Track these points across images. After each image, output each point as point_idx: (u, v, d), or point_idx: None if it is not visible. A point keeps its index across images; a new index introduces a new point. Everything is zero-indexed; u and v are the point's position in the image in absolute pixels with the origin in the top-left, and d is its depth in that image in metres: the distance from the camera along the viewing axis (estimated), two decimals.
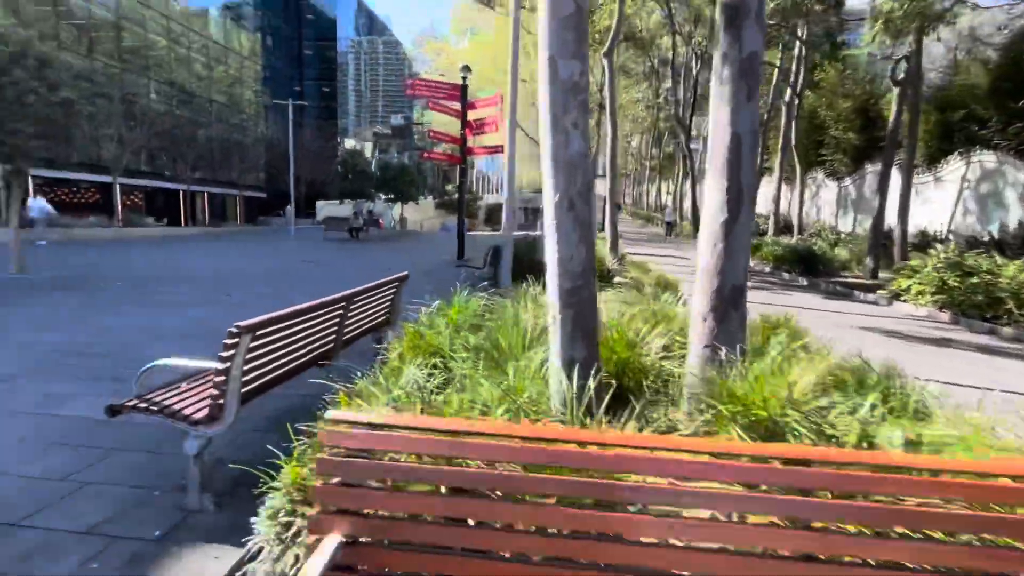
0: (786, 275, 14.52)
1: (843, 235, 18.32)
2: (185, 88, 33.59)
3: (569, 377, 2.21)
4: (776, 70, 22.02)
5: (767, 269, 15.85)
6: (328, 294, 8.65)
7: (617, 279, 9.55)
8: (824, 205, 23.41)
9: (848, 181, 21.38)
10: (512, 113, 6.90)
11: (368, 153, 41.97)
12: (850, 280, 13.39)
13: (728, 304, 2.95)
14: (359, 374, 3.50)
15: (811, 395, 2.46)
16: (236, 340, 2.28)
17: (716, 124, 2.96)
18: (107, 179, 24.67)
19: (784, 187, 27.79)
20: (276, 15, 50.42)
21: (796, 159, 18.38)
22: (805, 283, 13.42)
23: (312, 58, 56.94)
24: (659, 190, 46.78)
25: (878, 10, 10.62)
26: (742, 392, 2.48)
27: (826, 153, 23.60)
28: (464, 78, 15.47)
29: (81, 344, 5.22)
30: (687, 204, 37.14)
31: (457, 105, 15.58)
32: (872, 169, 19.76)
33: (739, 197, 2.93)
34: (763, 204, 27.04)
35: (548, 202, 2.24)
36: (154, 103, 30.48)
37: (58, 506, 2.44)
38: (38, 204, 17.46)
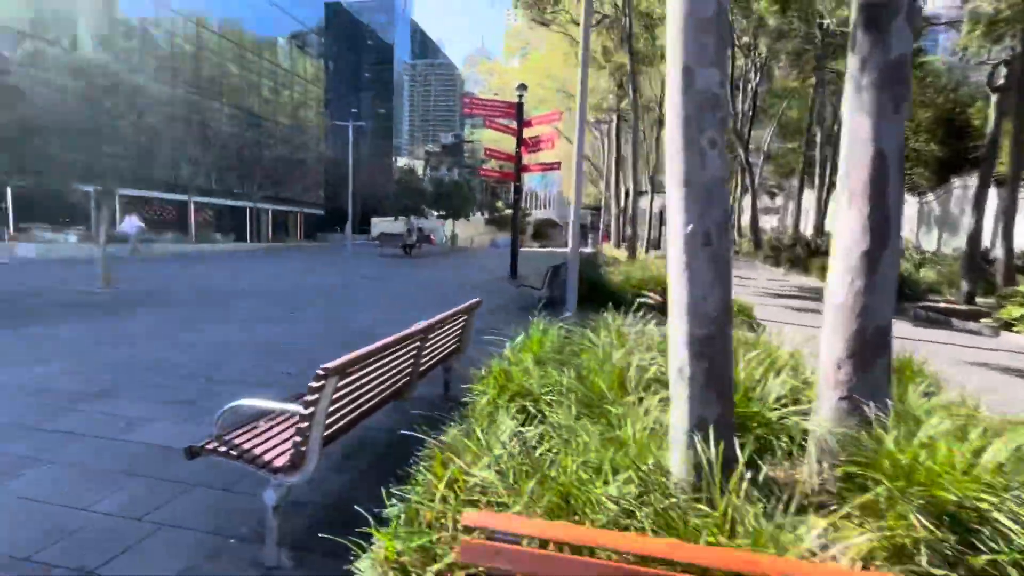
0: None
1: (927, 255, 16.80)
2: (254, 112, 35.70)
3: (700, 440, 1.86)
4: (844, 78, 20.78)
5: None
6: (388, 311, 8.57)
7: None
8: (903, 222, 21.68)
9: (931, 196, 19.74)
10: (580, 127, 6.64)
11: (420, 171, 43.02)
12: (942, 306, 12.13)
13: (871, 349, 2.50)
14: (433, 408, 3.25)
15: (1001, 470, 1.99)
16: (322, 383, 2.08)
17: (854, 139, 2.55)
18: (183, 198, 26.40)
19: None
20: (338, 42, 53.07)
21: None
22: None
23: (369, 81, 59.43)
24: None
25: (977, 13, 9.70)
26: (907, 462, 2.05)
27: (905, 166, 21.95)
28: (520, 96, 15.45)
29: (160, 361, 5.31)
30: (744, 219, 35.62)
31: (513, 123, 15.56)
32: (960, 183, 18.15)
33: (885, 224, 2.51)
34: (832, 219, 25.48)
35: (675, 234, 1.92)
36: (226, 126, 32.51)
37: (135, 550, 2.31)
38: (132, 221, 18.69)
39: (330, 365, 2.13)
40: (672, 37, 1.87)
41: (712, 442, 1.81)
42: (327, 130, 46.44)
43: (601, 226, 58.47)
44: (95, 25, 25.28)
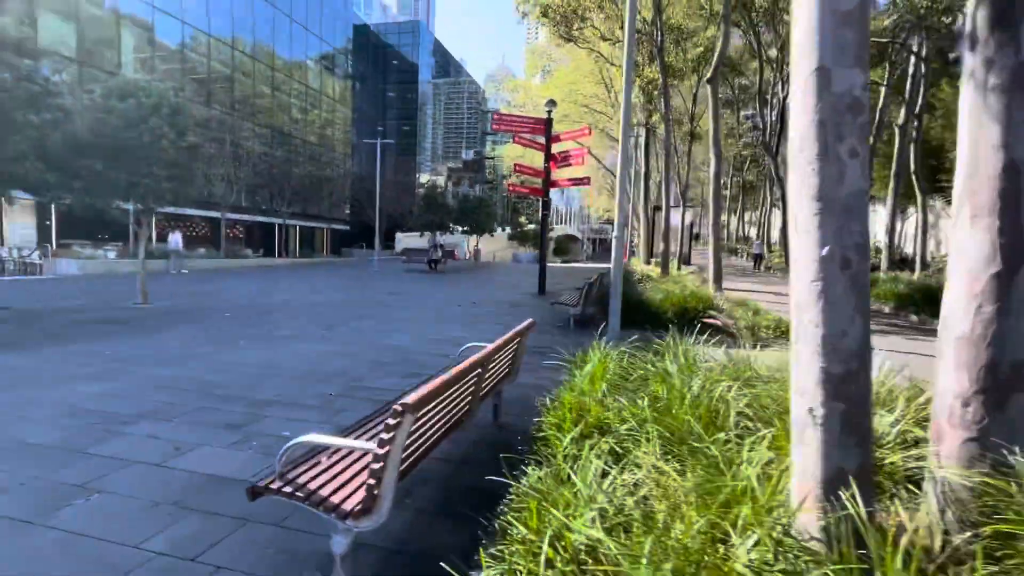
0: (913, 317, 12.75)
1: None
2: (284, 131, 36.63)
3: (836, 496, 1.60)
4: (883, 89, 20.26)
5: (886, 309, 14.06)
6: (422, 328, 8.42)
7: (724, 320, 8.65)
8: (945, 237, 20.83)
9: None
10: (624, 141, 6.45)
11: (442, 186, 43.41)
12: None
13: (1006, 385, 2.21)
14: (484, 436, 3.02)
15: None
16: (399, 420, 1.89)
17: (977, 148, 2.29)
18: (216, 215, 27.05)
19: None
20: (365, 62, 54.41)
21: (916, 187, 16.48)
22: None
23: (394, 99, 60.66)
24: (740, 219, 44.41)
25: None
26: None
27: (944, 179, 21.16)
28: (549, 112, 15.39)
29: (201, 382, 5.22)
30: (774, 234, 34.83)
31: (542, 138, 15.49)
32: None
33: (1019, 241, 2.24)
34: (873, 235, 24.72)
35: (805, 256, 1.70)
36: (257, 145, 33.40)
37: None
38: (175, 238, 19.36)
39: (407, 401, 1.94)
40: (803, 33, 1.67)
41: (858, 497, 1.55)
42: (354, 147, 47.35)
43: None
44: (136, 48, 26.37)
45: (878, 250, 20.60)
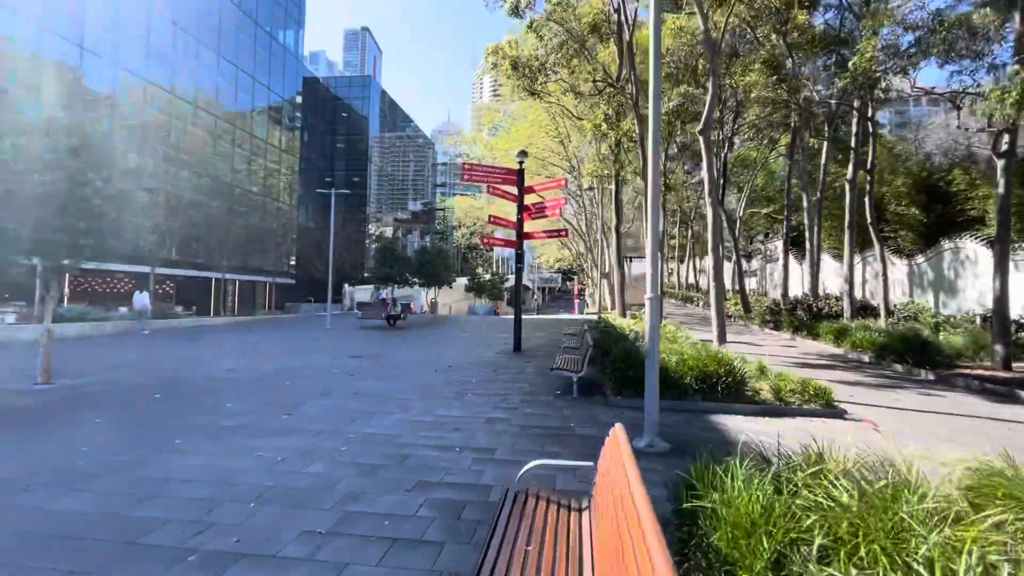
0: (898, 367, 12.66)
1: (939, 318, 16.54)
2: (225, 180, 34.51)
3: None
4: (825, 144, 21.54)
5: (866, 359, 14.02)
6: (406, 408, 7.02)
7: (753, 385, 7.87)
8: (893, 284, 21.84)
9: (921, 259, 19.98)
10: (655, 193, 5.69)
11: (392, 237, 42.10)
12: (981, 373, 11.49)
13: None
14: None
15: None
16: None
17: None
18: (144, 269, 24.30)
19: (837, 264, 26.52)
20: (314, 114, 53.48)
21: (874, 236, 17.11)
22: (932, 378, 11.52)
23: (343, 151, 59.66)
24: (690, 269, 45.85)
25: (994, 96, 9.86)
26: None
27: (888, 230, 22.47)
28: (520, 162, 14.90)
29: (118, 524, 3.64)
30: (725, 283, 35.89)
31: (514, 189, 14.89)
32: (950, 245, 18.43)
33: None
34: (832, 284, 25.59)
35: None
36: (195, 195, 31.08)
37: None
38: (142, 298, 19.03)
39: None
40: None
41: None
42: (300, 199, 45.45)
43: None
44: (58, 93, 24.12)
45: (838, 299, 21.20)
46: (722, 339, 10.10)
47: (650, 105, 5.49)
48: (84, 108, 24.01)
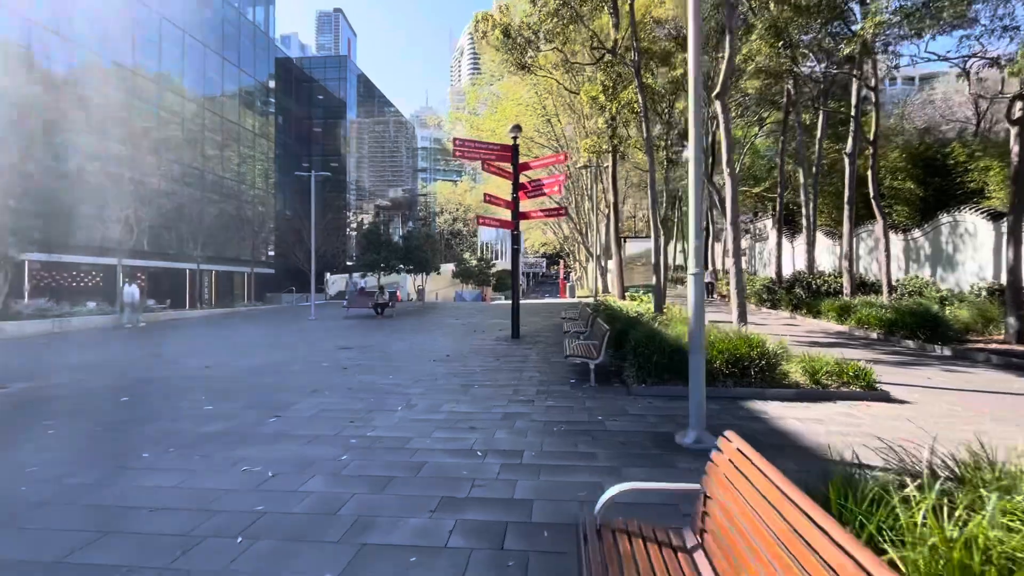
0: (910, 343, 12.30)
1: (944, 292, 16.30)
2: (196, 166, 32.78)
3: None
4: (820, 118, 21.05)
5: (874, 336, 13.67)
6: (401, 401, 6.23)
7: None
8: (890, 261, 21.61)
9: (917, 233, 19.73)
10: (697, 125, 4.94)
11: (382, 222, 40.69)
12: (997, 347, 11.17)
13: None
14: None
15: None
16: None
17: None
18: (111, 261, 22.82)
19: (830, 241, 26.32)
20: (288, 96, 51.26)
21: (877, 211, 16.71)
22: (948, 353, 11.15)
23: (320, 135, 57.51)
24: (678, 251, 45.55)
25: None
26: None
27: (882, 205, 22.17)
28: (515, 138, 14.02)
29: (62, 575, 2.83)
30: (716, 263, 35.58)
31: (509, 166, 14.03)
32: (948, 219, 18.18)
33: None
34: (824, 261, 25.35)
35: None
36: (165, 182, 29.41)
37: None
38: (131, 290, 18.52)
39: None
40: None
41: None
42: (277, 185, 43.67)
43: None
44: (6, 70, 22.24)
45: (835, 275, 20.92)
46: (742, 319, 9.52)
47: (690, 49, 4.71)
48: (36, 86, 22.23)
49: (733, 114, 28.25)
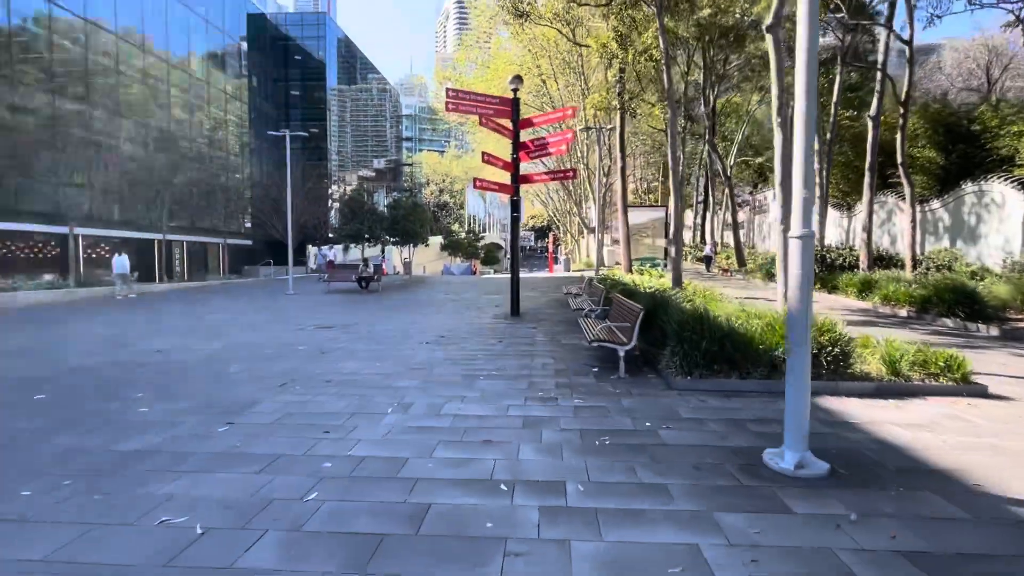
0: (948, 322, 11.26)
1: (973, 267, 15.30)
2: (162, 128, 30.26)
3: None
4: (837, 81, 19.64)
5: (903, 313, 12.63)
6: (392, 398, 4.79)
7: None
8: (902, 232, 20.62)
9: (936, 204, 18.66)
10: (807, 112, 3.53)
11: (367, 190, 38.51)
12: None
13: None
14: None
15: None
16: None
17: None
18: (61, 230, 20.76)
19: (837, 214, 25.24)
20: (263, 55, 47.94)
21: (904, 179, 15.51)
22: (996, 333, 10.13)
23: (299, 99, 54.32)
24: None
25: None
26: None
27: (898, 175, 21.04)
28: (515, 90, 12.38)
29: None
30: (707, 235, 34.44)
31: (509, 123, 12.43)
32: (973, 188, 17.09)
33: None
34: (831, 234, 24.28)
35: None
36: (127, 145, 27.01)
37: None
38: (121, 261, 18.06)
39: None
40: None
41: None
42: (253, 152, 41.07)
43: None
44: None
45: (848, 248, 19.85)
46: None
47: None
48: None
49: (735, 80, 26.70)
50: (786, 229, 8.37)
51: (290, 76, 53.23)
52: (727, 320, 6.05)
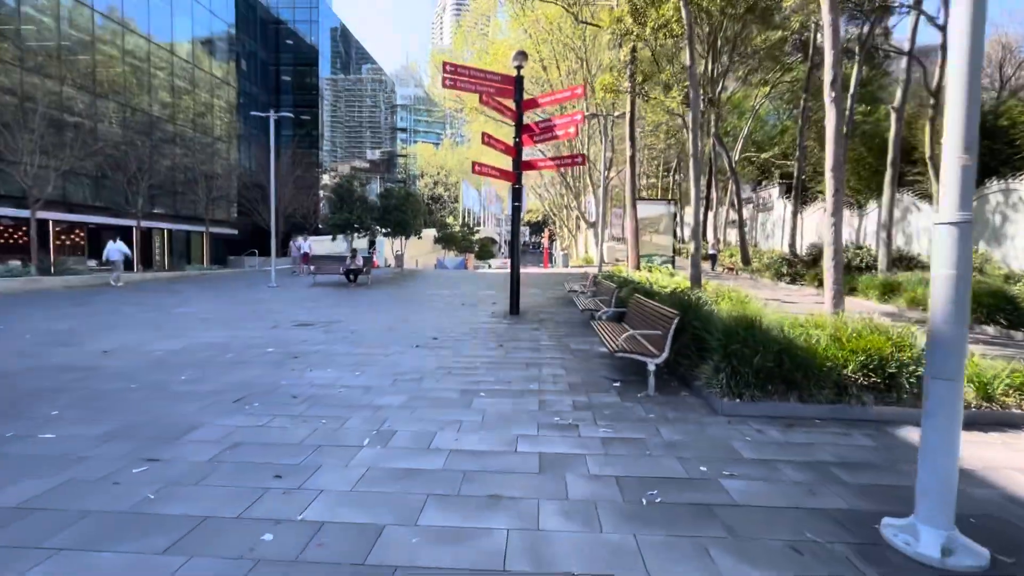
0: (988, 329, 10.33)
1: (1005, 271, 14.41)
2: (143, 110, 28.72)
3: None
4: (854, 72, 18.61)
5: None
6: (371, 421, 3.53)
7: None
8: (918, 233, 19.74)
9: None
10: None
11: (358, 178, 37.10)
12: None
13: None
14: None
15: None
16: None
17: None
18: (22, 213, 19.32)
19: (847, 212, 24.31)
20: (252, 38, 46.19)
21: (932, 175, 14.55)
22: None
23: (290, 84, 52.57)
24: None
25: None
26: None
27: (914, 173, 20.16)
28: (518, 68, 11.24)
29: None
30: (710, 233, 33.49)
31: (512, 103, 11.29)
32: (999, 186, 16.18)
33: None
34: (842, 233, 23.34)
35: None
36: (100, 125, 25.50)
37: None
38: (117, 247, 17.71)
39: None
40: None
41: None
42: (240, 138, 39.50)
43: (553, 243, 54.58)
44: None
45: (864, 248, 18.91)
46: (838, 300, 7.24)
47: None
48: None
49: (740, 72, 25.62)
50: (837, 222, 7.33)
51: (281, 60, 51.51)
52: (781, 330, 4.98)
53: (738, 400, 4.68)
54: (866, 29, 17.55)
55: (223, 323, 10.00)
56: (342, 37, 63.45)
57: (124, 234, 25.26)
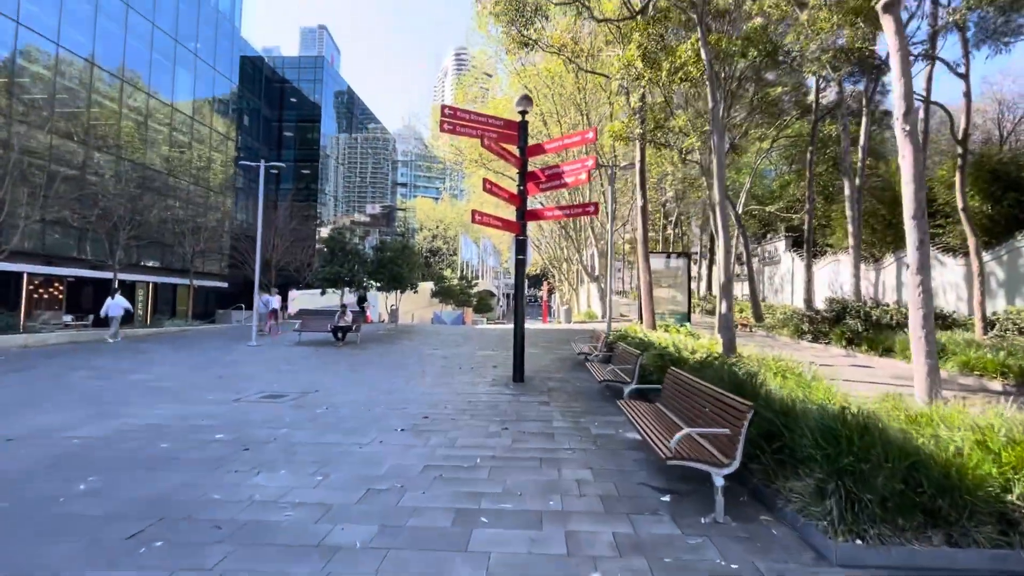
0: None
1: None
2: (134, 160, 28.25)
3: None
4: (863, 122, 18.17)
5: (997, 386, 10.25)
6: (313, 564, 1.73)
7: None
8: (943, 288, 18.60)
9: (987, 256, 16.73)
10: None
11: (351, 230, 36.43)
12: None
13: None
14: None
15: None
16: None
17: None
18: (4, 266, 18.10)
19: (861, 265, 23.33)
20: (255, 95, 47.07)
21: (967, 227, 13.57)
22: None
23: (293, 140, 53.30)
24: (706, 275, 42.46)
25: None
26: None
27: (933, 226, 19.35)
28: (523, 113, 10.41)
29: None
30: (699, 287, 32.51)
31: (515, 149, 10.37)
32: None
33: None
34: (851, 288, 22.26)
35: None
36: (87, 175, 24.85)
37: None
38: (117, 302, 17.23)
39: None
40: None
41: None
42: (238, 190, 39.17)
43: (553, 297, 53.49)
44: None
45: (871, 304, 17.51)
46: (933, 379, 5.88)
47: None
48: None
49: (743, 129, 25.50)
50: (925, 280, 6.12)
51: (284, 117, 52.35)
52: (903, 435, 3.58)
53: (859, 541, 3.20)
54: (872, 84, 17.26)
55: (176, 395, 8.49)
56: (348, 98, 65.21)
57: (103, 287, 23.99)
